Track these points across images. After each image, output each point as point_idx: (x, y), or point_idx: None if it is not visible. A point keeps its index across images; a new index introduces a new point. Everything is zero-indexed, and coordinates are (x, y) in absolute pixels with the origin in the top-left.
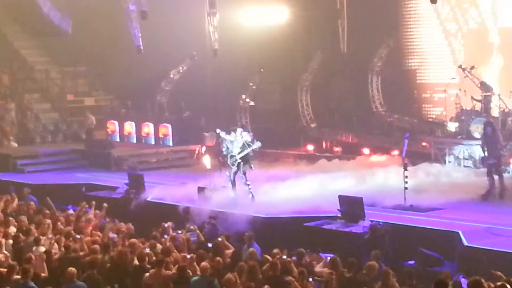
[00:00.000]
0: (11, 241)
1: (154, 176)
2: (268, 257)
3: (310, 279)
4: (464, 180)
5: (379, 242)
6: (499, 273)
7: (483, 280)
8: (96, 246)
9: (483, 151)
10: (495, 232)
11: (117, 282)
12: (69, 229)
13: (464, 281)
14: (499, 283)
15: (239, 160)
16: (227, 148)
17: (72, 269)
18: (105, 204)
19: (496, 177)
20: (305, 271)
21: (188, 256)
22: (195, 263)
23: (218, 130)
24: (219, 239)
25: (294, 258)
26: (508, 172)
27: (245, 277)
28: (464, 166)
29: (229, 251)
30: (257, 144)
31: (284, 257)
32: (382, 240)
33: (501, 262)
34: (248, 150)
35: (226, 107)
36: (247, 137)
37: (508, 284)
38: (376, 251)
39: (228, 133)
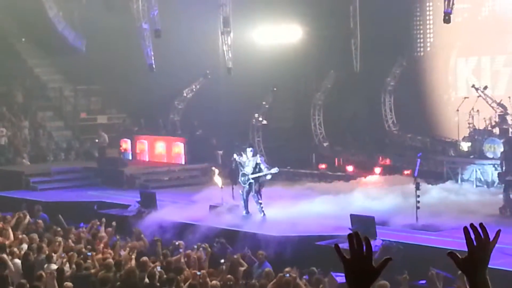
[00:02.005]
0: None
1: (166, 194)
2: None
3: None
4: (476, 199)
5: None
6: None
7: None
8: (108, 264)
9: (501, 167)
10: (508, 252)
11: None
12: (81, 247)
13: None
14: None
15: (251, 180)
16: (241, 168)
17: (68, 284)
18: (113, 223)
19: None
20: None
21: (199, 273)
22: (207, 279)
23: (234, 156)
24: (235, 256)
25: (306, 277)
26: None
27: None
28: (477, 186)
29: (242, 269)
30: (274, 170)
31: (293, 275)
32: (395, 260)
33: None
34: (265, 173)
35: (239, 126)
36: (259, 159)
37: None
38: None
39: (241, 154)
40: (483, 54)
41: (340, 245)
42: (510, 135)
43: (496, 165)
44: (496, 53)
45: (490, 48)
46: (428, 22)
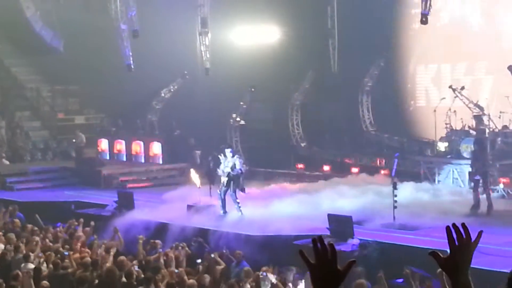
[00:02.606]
0: None
1: (143, 194)
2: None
3: None
4: (453, 199)
5: (369, 259)
6: None
7: None
8: (85, 263)
9: (471, 167)
10: (484, 251)
11: None
12: (58, 246)
13: None
14: None
15: (228, 179)
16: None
17: (44, 283)
18: (92, 223)
19: (482, 194)
20: None
21: (177, 271)
22: (185, 277)
23: (219, 156)
24: (212, 255)
25: (283, 275)
26: (497, 192)
27: None
28: (453, 185)
29: (220, 268)
30: (238, 164)
31: (270, 274)
32: (371, 257)
33: (490, 281)
34: (235, 172)
35: (216, 126)
36: (237, 161)
37: None
38: (361, 268)
39: (224, 154)
40: (443, 62)
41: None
42: (486, 135)
43: None
44: (456, 61)
45: (450, 56)
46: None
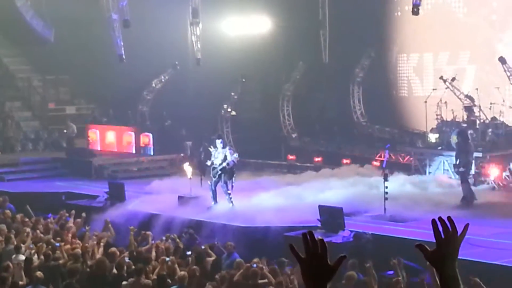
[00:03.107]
0: None
1: (134, 185)
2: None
3: None
4: (444, 190)
5: (362, 250)
6: (477, 279)
7: None
8: (76, 255)
9: (456, 159)
10: (473, 242)
11: None
12: (49, 237)
13: None
14: None
15: (220, 171)
16: (211, 159)
17: (39, 273)
18: (83, 214)
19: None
20: (284, 281)
21: (168, 259)
22: (176, 266)
23: (210, 148)
24: (203, 247)
25: (275, 266)
26: (488, 183)
27: (226, 286)
28: (451, 178)
29: (211, 259)
30: (235, 156)
31: (260, 265)
32: (365, 249)
33: (479, 272)
34: (227, 161)
35: (207, 117)
36: (228, 152)
37: None
38: (353, 260)
39: (214, 145)
40: (425, 51)
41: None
42: (477, 126)
43: None
44: (439, 50)
45: (432, 45)
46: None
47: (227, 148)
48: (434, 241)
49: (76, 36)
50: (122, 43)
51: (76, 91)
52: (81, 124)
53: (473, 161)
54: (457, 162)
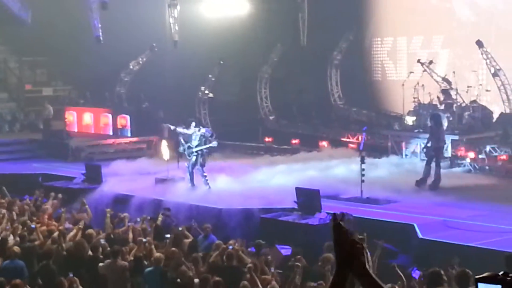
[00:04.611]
0: None
1: (111, 167)
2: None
3: (273, 270)
4: (420, 173)
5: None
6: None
7: (442, 272)
8: (52, 236)
9: (427, 142)
10: (450, 225)
11: (72, 272)
12: (25, 219)
13: (417, 273)
14: (460, 270)
15: (196, 153)
16: (186, 141)
17: (16, 248)
18: (59, 195)
19: (433, 166)
20: (262, 262)
21: (145, 240)
22: (152, 247)
23: (172, 127)
24: (180, 228)
25: (252, 249)
26: (464, 166)
27: (202, 267)
28: (421, 160)
29: (188, 241)
30: (213, 144)
31: (236, 247)
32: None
33: (456, 254)
34: (203, 147)
35: (185, 99)
36: (205, 132)
37: (465, 275)
38: (330, 242)
39: (187, 127)
40: (399, 35)
41: (283, 218)
42: (454, 109)
43: None
44: (412, 34)
45: (406, 29)
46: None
47: (203, 128)
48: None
49: (53, 18)
50: (99, 25)
51: (53, 73)
52: (58, 106)
53: (445, 146)
54: (428, 145)
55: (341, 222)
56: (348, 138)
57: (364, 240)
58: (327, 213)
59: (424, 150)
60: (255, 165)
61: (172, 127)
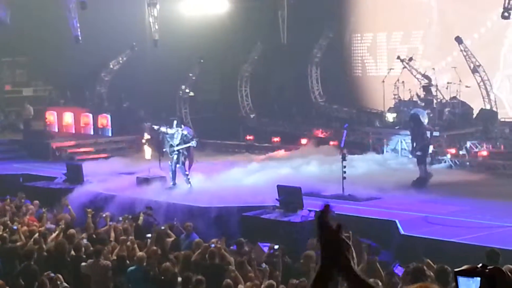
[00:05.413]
0: None
1: (92, 166)
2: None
3: (264, 265)
4: (401, 169)
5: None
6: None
7: (425, 267)
8: (34, 236)
9: (412, 143)
10: (432, 221)
11: (55, 272)
12: (5, 220)
13: (400, 269)
14: (438, 266)
15: (177, 152)
16: (168, 139)
17: None
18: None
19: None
20: (244, 261)
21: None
22: (135, 246)
23: (156, 127)
24: (162, 227)
25: (234, 247)
26: (445, 162)
27: (181, 266)
28: (402, 156)
29: (170, 240)
30: (192, 144)
31: (218, 245)
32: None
33: (436, 250)
34: (184, 146)
35: (165, 98)
36: (187, 132)
37: (443, 271)
38: (313, 239)
39: (170, 126)
40: (378, 30)
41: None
42: (435, 105)
43: None
44: (392, 29)
45: (385, 25)
46: None
47: (184, 127)
48: (391, 219)
49: (32, 17)
50: (78, 25)
51: (33, 73)
52: (39, 106)
53: (430, 142)
54: (414, 146)
55: (326, 216)
56: (329, 135)
57: (349, 237)
58: (309, 210)
59: (413, 152)
60: (235, 164)
61: (156, 127)
